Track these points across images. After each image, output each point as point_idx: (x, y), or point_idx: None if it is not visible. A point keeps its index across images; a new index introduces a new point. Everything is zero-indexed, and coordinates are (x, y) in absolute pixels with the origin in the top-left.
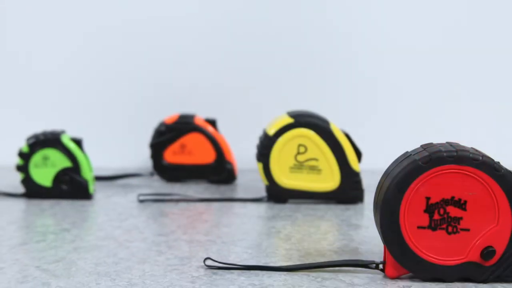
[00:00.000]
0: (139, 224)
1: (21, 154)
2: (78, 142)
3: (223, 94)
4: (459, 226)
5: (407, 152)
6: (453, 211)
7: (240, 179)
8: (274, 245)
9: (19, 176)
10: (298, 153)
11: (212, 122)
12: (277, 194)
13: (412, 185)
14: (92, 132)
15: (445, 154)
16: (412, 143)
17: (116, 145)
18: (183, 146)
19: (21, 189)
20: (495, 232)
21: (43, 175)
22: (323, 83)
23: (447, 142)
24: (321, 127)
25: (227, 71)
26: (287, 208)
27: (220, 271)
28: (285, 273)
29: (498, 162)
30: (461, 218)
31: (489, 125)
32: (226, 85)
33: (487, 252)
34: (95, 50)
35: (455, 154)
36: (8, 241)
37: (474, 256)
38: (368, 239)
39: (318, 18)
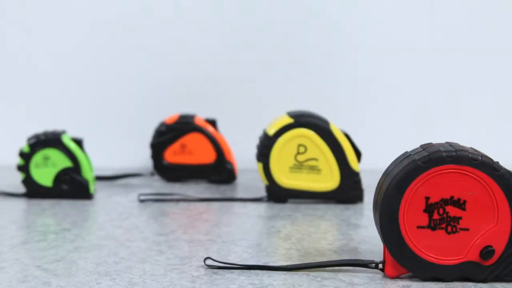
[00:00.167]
0: (140, 223)
1: (22, 154)
2: (78, 142)
3: (223, 94)
4: (458, 226)
5: (406, 152)
6: (452, 211)
7: (240, 179)
8: (274, 244)
9: (20, 176)
10: (298, 153)
11: (212, 122)
12: (277, 194)
13: (411, 185)
14: (93, 132)
15: (444, 154)
16: (411, 143)
17: (116, 145)
18: (183, 146)
19: (22, 189)
20: (494, 232)
21: (44, 175)
22: (323, 83)
23: (446, 142)
24: (321, 127)
25: (227, 71)
26: (287, 208)
27: (220, 271)
28: (285, 272)
29: (497, 162)
30: (460, 218)
31: (488, 125)
32: (226, 85)
33: (486, 252)
34: (95, 50)
35: (454, 154)
36: (9, 240)
37: (474, 256)
38: (368, 238)
39: (318, 18)
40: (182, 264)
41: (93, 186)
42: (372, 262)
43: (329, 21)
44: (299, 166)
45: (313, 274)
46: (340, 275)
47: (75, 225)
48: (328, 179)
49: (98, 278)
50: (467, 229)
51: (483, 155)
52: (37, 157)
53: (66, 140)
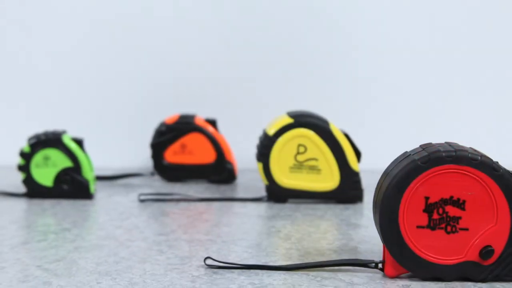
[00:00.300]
0: (140, 223)
1: (23, 154)
2: (79, 142)
3: (223, 94)
4: (458, 226)
5: (406, 152)
6: (452, 210)
7: (240, 179)
8: (274, 244)
9: (20, 176)
10: (298, 153)
11: (212, 122)
12: (277, 193)
13: (411, 185)
14: (93, 132)
15: (444, 154)
16: (411, 143)
17: (117, 145)
18: (183, 146)
19: (22, 189)
20: (494, 232)
21: (44, 175)
22: (323, 83)
23: (446, 142)
24: (320, 127)
25: (227, 71)
26: (287, 208)
27: (220, 270)
28: (284, 272)
29: (497, 162)
30: (460, 217)
31: (488, 125)
32: (226, 85)
33: (485, 252)
34: (95, 50)
35: (453, 154)
36: (9, 240)
37: (473, 256)
38: (368, 238)
39: (318, 18)
40: (182, 264)
41: (93, 186)
42: (372, 261)
43: (329, 21)
44: (299, 166)
45: (313, 273)
46: (340, 275)
47: (76, 225)
48: (328, 179)
49: (99, 277)
50: (467, 229)
51: (482, 155)
52: (38, 157)
53: (67, 140)
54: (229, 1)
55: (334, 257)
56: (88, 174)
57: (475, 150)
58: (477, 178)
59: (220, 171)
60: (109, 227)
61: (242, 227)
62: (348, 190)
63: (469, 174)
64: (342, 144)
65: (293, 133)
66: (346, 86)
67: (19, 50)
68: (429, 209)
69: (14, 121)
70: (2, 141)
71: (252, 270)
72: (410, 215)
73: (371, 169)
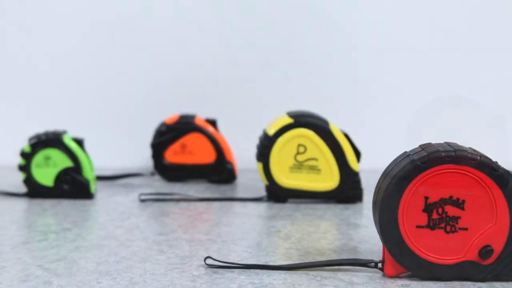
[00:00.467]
0: (140, 223)
1: (23, 154)
2: (79, 142)
3: (223, 94)
4: (457, 225)
5: (405, 152)
6: (451, 210)
7: (240, 178)
8: (274, 244)
9: (21, 176)
10: (298, 153)
11: (213, 122)
12: (277, 193)
13: (410, 185)
14: (94, 132)
15: (443, 154)
16: (411, 143)
17: (117, 145)
18: (183, 146)
19: (23, 189)
20: (493, 231)
21: (45, 175)
22: (323, 83)
23: (445, 142)
24: (320, 127)
25: (227, 71)
26: (286, 208)
27: (220, 270)
28: (284, 272)
29: (496, 162)
30: (459, 217)
31: None
32: (226, 85)
33: (485, 251)
34: (95, 50)
35: (453, 154)
36: (10, 240)
37: (472, 255)
38: (367, 238)
39: (318, 18)
40: (182, 264)
41: (93, 186)
42: (372, 261)
43: (329, 21)
44: (299, 166)
45: (313, 273)
46: (340, 275)
47: (76, 225)
48: (327, 179)
49: (99, 277)
50: (466, 229)
51: (482, 155)
52: (38, 157)
53: (67, 140)
54: (229, 1)
55: (334, 256)
56: (89, 174)
57: (475, 150)
58: (477, 178)
59: (220, 171)
60: (110, 227)
61: (242, 227)
62: (348, 190)
63: (469, 174)
64: (342, 144)
65: (293, 133)
66: (346, 86)
67: (19, 50)
68: (428, 209)
69: (14, 121)
70: (2, 141)
71: (252, 270)
72: (410, 215)
73: (371, 169)
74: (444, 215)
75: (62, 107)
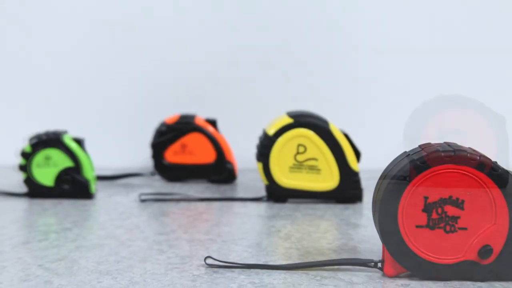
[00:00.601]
0: (140, 223)
1: (24, 154)
2: (79, 142)
3: (223, 94)
4: (456, 225)
5: (405, 152)
6: (451, 210)
7: (240, 178)
8: (274, 244)
9: (21, 176)
10: (298, 153)
11: (213, 122)
12: (277, 193)
13: (410, 185)
14: (94, 132)
15: (442, 154)
16: (410, 143)
17: (117, 145)
18: (183, 146)
19: (23, 189)
20: (493, 231)
21: (45, 175)
22: (323, 83)
23: (444, 142)
24: (320, 127)
25: (227, 71)
26: (286, 208)
27: (220, 270)
28: (284, 271)
29: (496, 162)
30: (458, 217)
31: None
32: (226, 85)
33: (484, 251)
34: (95, 50)
35: (452, 154)
36: (10, 240)
37: (472, 255)
38: (367, 238)
39: (318, 18)
40: (182, 263)
41: (94, 186)
42: (371, 261)
43: (329, 21)
44: (298, 166)
45: (313, 273)
46: (340, 274)
47: (76, 225)
48: (327, 179)
49: (99, 277)
50: (466, 228)
51: (481, 155)
52: (39, 157)
53: (67, 140)
54: (229, 1)
55: (334, 256)
56: (89, 174)
57: (474, 150)
58: (476, 178)
59: (220, 171)
60: (110, 226)
61: (242, 227)
62: (347, 190)
63: (468, 174)
64: (342, 144)
65: (293, 133)
66: (346, 86)
67: (19, 50)
68: (428, 208)
69: (14, 121)
70: (2, 141)
71: (252, 270)
72: (409, 215)
73: (370, 169)
74: (443, 215)
75: (62, 107)
